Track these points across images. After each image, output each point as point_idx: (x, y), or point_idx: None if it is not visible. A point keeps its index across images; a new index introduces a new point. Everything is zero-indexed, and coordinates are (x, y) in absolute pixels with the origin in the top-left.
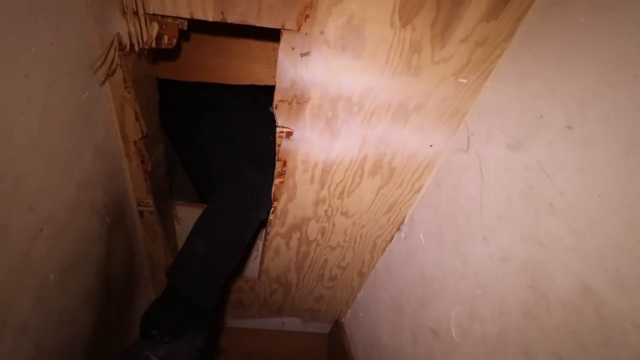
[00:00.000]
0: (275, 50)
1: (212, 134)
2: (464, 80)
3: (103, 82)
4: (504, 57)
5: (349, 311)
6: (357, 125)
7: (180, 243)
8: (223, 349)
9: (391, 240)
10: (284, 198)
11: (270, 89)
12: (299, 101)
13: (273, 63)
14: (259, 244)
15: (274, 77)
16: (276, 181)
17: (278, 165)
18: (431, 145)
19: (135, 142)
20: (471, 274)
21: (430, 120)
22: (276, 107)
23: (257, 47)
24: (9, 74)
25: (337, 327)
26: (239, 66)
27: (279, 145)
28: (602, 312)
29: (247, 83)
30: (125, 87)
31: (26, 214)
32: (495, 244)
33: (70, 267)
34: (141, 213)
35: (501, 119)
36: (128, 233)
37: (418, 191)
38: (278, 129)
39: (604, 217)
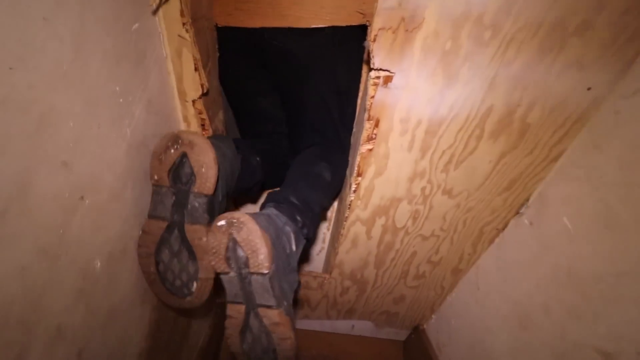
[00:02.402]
0: None
1: (325, 88)
2: None
3: (156, 10)
4: None
5: (433, 316)
6: (486, 60)
7: None
8: None
9: (504, 229)
10: (370, 171)
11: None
12: (407, 27)
13: None
14: (326, 234)
15: (361, 12)
16: (363, 149)
17: (368, 126)
18: (589, 89)
19: (194, 102)
20: None
21: (595, 47)
22: (374, 40)
23: None
24: None
25: (417, 334)
26: (315, 1)
27: (372, 97)
28: None
29: (324, 24)
30: (183, 24)
31: (59, 172)
32: None
33: (121, 252)
34: None
35: None
36: None
37: (555, 159)
38: (373, 74)
39: None
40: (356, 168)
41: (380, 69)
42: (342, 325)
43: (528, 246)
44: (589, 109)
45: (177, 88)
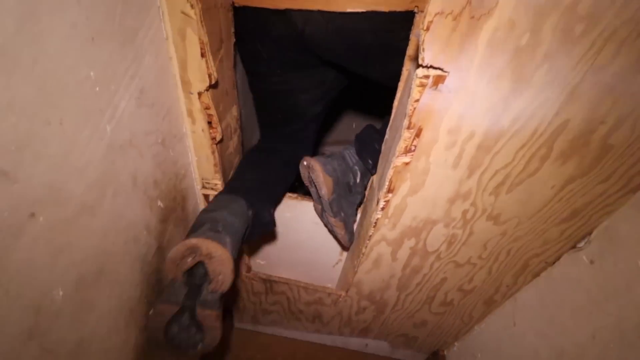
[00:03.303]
0: None
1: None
2: None
3: None
4: None
5: (455, 344)
6: (572, 62)
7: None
8: None
9: (554, 263)
10: (404, 188)
11: None
12: (473, 14)
13: None
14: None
15: None
16: (398, 162)
17: (407, 135)
18: None
19: (200, 94)
20: None
21: None
22: (427, 29)
23: None
24: None
25: (437, 359)
26: None
27: (416, 100)
28: None
29: (362, 9)
30: None
31: None
32: None
33: (96, 275)
34: (206, 197)
35: None
36: (188, 222)
37: (634, 190)
38: (421, 72)
39: None
40: (387, 183)
41: (431, 67)
42: (354, 342)
43: (585, 288)
44: None
45: (180, 77)
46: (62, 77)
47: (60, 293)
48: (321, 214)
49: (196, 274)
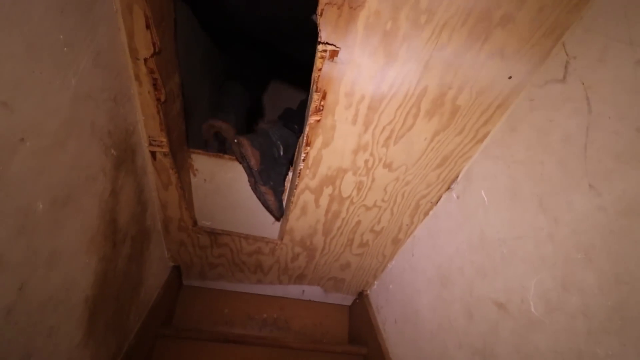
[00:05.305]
0: None
1: None
2: None
3: None
4: None
5: (375, 282)
6: (422, 43)
7: (196, 197)
8: (238, 315)
9: (437, 202)
10: (318, 142)
11: None
12: (351, 5)
13: None
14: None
15: None
16: (311, 120)
17: (316, 97)
18: (510, 77)
19: (145, 60)
20: (565, 234)
21: (516, 40)
22: (321, 14)
23: None
24: None
25: (361, 299)
26: None
27: (320, 69)
28: None
29: None
30: None
31: None
32: (610, 193)
33: (65, 199)
34: (153, 154)
35: (627, 27)
36: (138, 176)
37: (481, 140)
38: (320, 47)
39: None
40: (305, 138)
41: (327, 43)
42: (293, 290)
43: (454, 217)
44: (509, 95)
45: (128, 45)
46: (42, 38)
47: (40, 206)
48: (254, 187)
49: (219, 136)
